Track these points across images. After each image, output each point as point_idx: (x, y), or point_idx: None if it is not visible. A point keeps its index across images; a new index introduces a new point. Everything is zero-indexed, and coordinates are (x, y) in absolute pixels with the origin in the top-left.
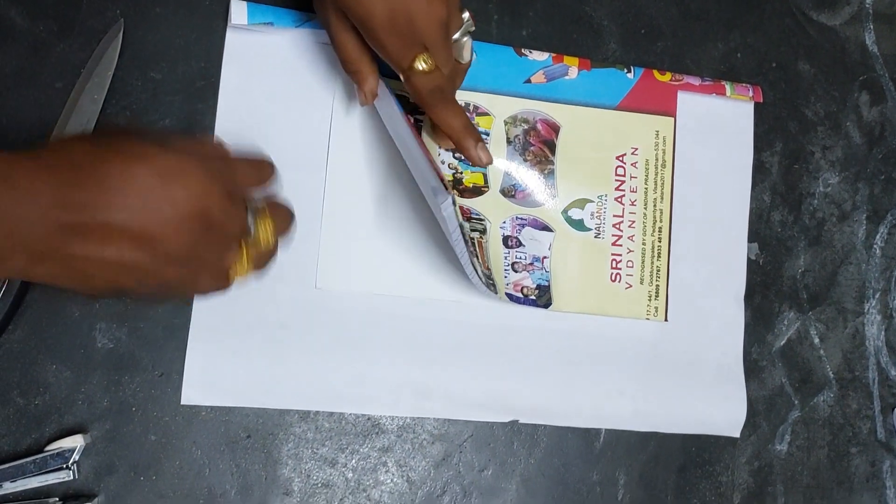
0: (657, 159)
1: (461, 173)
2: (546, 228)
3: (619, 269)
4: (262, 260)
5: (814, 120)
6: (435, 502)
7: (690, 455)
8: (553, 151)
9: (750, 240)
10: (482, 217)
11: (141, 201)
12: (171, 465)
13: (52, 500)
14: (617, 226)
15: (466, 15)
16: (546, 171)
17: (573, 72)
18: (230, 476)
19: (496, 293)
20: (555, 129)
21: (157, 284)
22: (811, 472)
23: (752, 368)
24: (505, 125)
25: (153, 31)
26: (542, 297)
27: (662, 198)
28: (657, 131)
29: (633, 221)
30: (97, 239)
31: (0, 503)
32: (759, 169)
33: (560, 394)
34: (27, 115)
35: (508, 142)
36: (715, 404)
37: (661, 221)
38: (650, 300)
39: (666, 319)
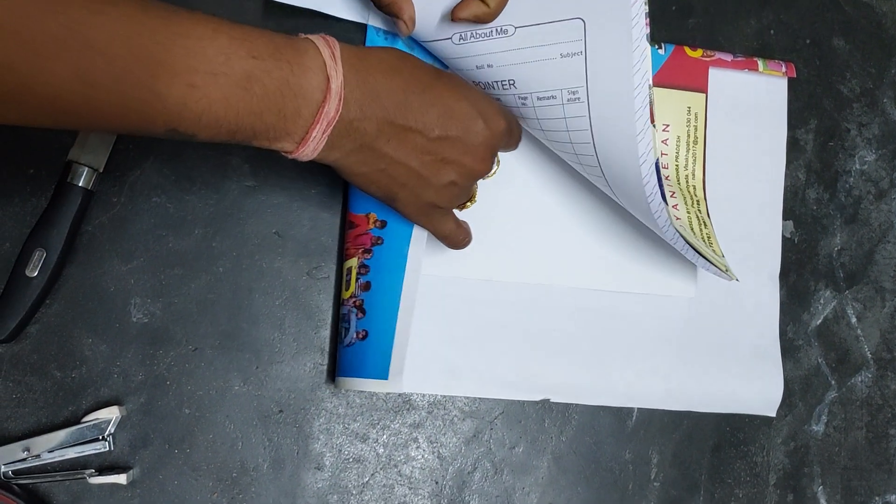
0: (689, 136)
1: None
2: None
3: None
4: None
5: (849, 97)
6: (466, 479)
7: (725, 435)
8: None
9: (785, 218)
10: None
11: (460, 126)
12: (205, 438)
13: (88, 471)
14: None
15: None
16: None
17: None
18: (262, 450)
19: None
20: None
21: (425, 202)
22: (849, 454)
23: (788, 348)
24: None
25: None
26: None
27: (694, 175)
28: (689, 108)
29: (674, 192)
30: (410, 145)
31: (38, 472)
32: (793, 146)
33: (592, 373)
34: None
35: None
36: (750, 383)
37: (696, 196)
38: (720, 258)
39: (737, 279)
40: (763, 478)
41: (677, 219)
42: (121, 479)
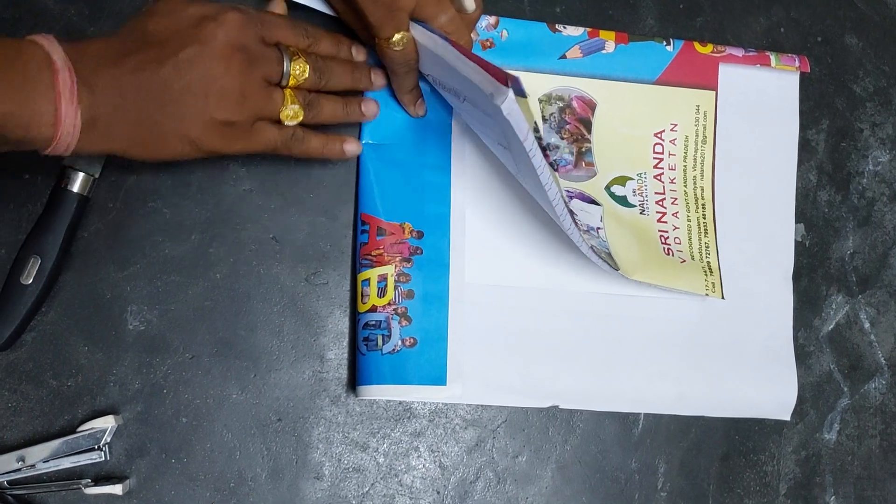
0: (697, 135)
1: None
2: (593, 202)
3: (669, 244)
4: (310, 100)
5: (862, 96)
6: (468, 488)
7: (734, 443)
8: (589, 129)
9: (796, 221)
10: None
11: (187, 24)
12: (202, 447)
13: (83, 481)
14: (660, 202)
15: None
16: (584, 149)
17: (610, 46)
18: (261, 459)
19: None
20: (591, 106)
21: (219, 125)
22: (862, 463)
23: (799, 354)
24: (540, 103)
25: None
26: (611, 261)
27: (703, 175)
28: (698, 106)
29: (676, 199)
30: (152, 64)
31: (33, 483)
32: (804, 147)
33: (601, 378)
34: None
35: (544, 120)
36: (764, 386)
37: (703, 199)
38: (706, 276)
39: (723, 297)
40: (773, 487)
41: (675, 228)
42: (117, 489)
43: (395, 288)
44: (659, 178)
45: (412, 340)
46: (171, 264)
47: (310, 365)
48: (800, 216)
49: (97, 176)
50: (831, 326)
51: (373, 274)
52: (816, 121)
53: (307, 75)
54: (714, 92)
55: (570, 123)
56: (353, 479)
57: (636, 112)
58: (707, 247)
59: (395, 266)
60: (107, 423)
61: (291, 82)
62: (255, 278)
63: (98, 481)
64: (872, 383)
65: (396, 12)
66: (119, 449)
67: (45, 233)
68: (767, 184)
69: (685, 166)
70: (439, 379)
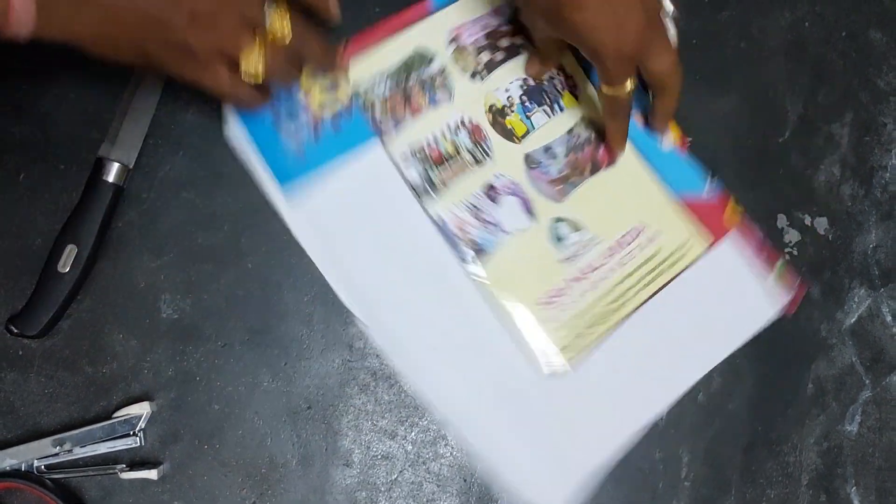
0: (664, 261)
1: (511, 112)
2: (530, 214)
3: (557, 299)
4: (276, 64)
5: (886, 90)
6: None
7: (757, 434)
8: (593, 173)
9: (819, 214)
10: (489, 153)
11: None
12: (234, 434)
13: (119, 466)
14: (585, 272)
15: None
16: (573, 180)
17: (668, 143)
18: (291, 446)
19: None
20: (611, 160)
21: (178, 48)
22: (883, 455)
23: (822, 346)
24: (582, 120)
25: None
26: (479, 255)
27: (637, 293)
28: (689, 241)
29: (606, 278)
30: None
31: (70, 467)
32: (828, 141)
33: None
34: (94, 85)
35: (569, 132)
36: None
37: (624, 308)
38: (565, 346)
39: (569, 369)
40: (795, 478)
41: (582, 294)
42: (151, 474)
43: None
44: (608, 254)
45: None
46: (204, 254)
47: (339, 353)
48: (823, 209)
49: (132, 166)
50: (853, 319)
51: None
52: (840, 115)
53: (285, 33)
54: (710, 244)
55: (583, 153)
56: (381, 467)
57: (639, 198)
58: (591, 334)
59: None
60: (141, 409)
61: (269, 36)
62: (286, 268)
63: (133, 466)
64: (894, 376)
65: (626, 60)
66: (153, 435)
67: (81, 222)
68: (687, 352)
69: (632, 272)
70: None
